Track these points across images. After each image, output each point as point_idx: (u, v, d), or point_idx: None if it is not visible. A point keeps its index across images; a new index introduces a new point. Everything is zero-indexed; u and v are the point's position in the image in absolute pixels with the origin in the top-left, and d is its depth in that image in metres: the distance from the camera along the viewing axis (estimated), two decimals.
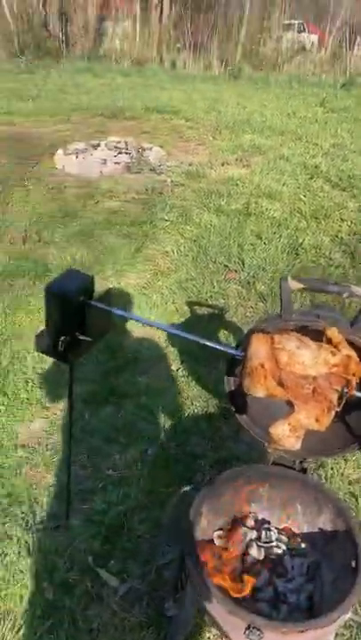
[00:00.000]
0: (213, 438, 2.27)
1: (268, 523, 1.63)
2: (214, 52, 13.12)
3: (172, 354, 2.74)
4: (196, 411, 2.42)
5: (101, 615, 1.62)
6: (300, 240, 4.04)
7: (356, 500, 2.05)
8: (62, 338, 1.30)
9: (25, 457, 2.13)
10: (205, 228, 4.19)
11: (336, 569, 1.45)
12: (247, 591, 1.34)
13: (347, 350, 1.19)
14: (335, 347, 1.20)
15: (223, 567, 1.41)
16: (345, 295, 1.33)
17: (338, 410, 1.24)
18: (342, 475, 2.15)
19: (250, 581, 1.36)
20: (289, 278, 1.36)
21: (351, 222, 4.41)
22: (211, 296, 3.32)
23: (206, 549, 1.42)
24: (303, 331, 1.33)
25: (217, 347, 1.34)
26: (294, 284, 1.36)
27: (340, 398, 1.23)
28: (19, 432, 2.25)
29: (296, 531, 1.60)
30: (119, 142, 6.11)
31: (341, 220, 4.47)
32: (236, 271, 3.60)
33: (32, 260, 3.53)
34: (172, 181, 5.24)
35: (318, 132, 7.32)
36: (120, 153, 5.84)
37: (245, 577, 1.38)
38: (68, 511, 1.84)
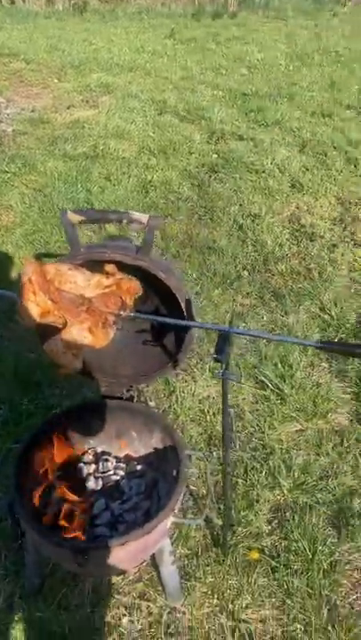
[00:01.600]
0: (65, 386, 2.26)
1: (109, 454, 1.68)
2: None
3: None
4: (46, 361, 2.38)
5: None
6: (150, 177, 4.01)
7: (205, 414, 2.17)
8: None
9: None
10: (51, 175, 4.00)
11: (169, 482, 1.54)
12: (76, 525, 1.38)
13: (120, 275, 1.20)
14: (110, 275, 1.21)
15: (53, 504, 1.44)
16: (124, 222, 1.33)
17: (116, 327, 1.26)
18: (193, 394, 2.27)
19: (80, 506, 1.41)
20: (68, 212, 1.33)
21: (199, 154, 4.45)
22: (60, 246, 3.22)
23: (36, 494, 1.43)
24: (93, 265, 1.33)
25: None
26: (74, 217, 1.33)
27: (116, 316, 1.25)
28: None
29: (134, 455, 1.67)
30: None
31: (190, 153, 4.49)
32: None
33: None
34: (13, 130, 4.90)
35: (168, 65, 7.17)
36: None
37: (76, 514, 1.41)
38: None
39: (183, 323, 1.29)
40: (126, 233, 3.20)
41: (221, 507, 1.74)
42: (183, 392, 2.27)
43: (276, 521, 1.81)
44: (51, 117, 5.23)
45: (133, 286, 1.33)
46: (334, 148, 4.60)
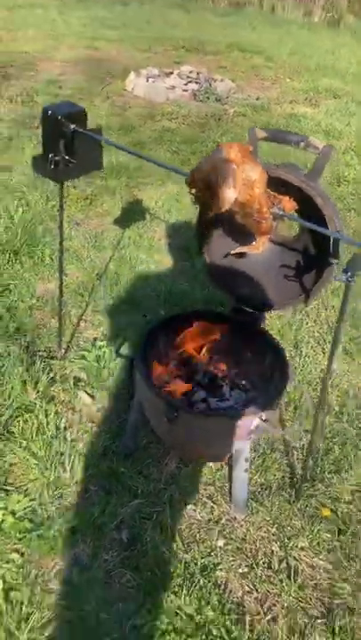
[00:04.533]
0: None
1: (222, 361, 1.83)
2: None
3: None
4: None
5: (73, 424, 1.90)
6: (346, 174, 4.02)
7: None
8: (51, 155, 1.52)
9: (37, 305, 2.44)
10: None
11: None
12: (177, 391, 1.56)
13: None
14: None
15: (165, 376, 1.63)
16: (302, 145, 1.45)
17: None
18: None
19: (182, 386, 1.58)
20: (256, 128, 1.49)
21: None
22: None
23: (156, 366, 1.65)
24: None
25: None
26: (260, 133, 1.49)
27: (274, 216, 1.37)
28: (37, 287, 2.56)
29: (244, 373, 1.79)
30: (191, 72, 6.15)
31: None
32: None
33: None
34: (234, 111, 5.27)
35: None
36: (190, 82, 5.90)
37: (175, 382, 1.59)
38: (60, 344, 2.13)
39: (329, 233, 1.35)
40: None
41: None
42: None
43: (359, 494, 1.77)
44: (271, 107, 5.49)
45: (293, 205, 1.44)
46: None
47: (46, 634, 1.35)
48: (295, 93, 6.07)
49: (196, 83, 5.91)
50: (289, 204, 1.39)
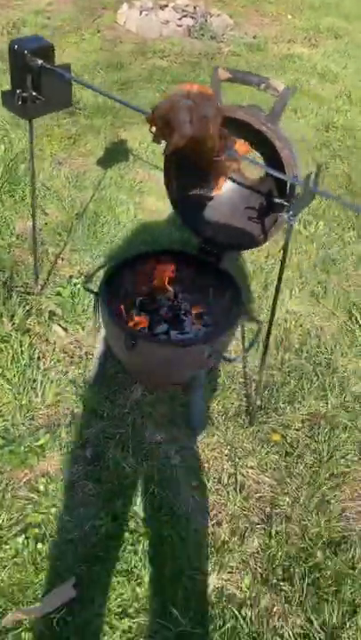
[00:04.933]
0: None
1: (185, 300, 1.93)
2: None
3: None
4: None
5: (46, 355, 2.03)
6: (335, 119, 3.98)
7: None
8: (18, 91, 1.56)
9: (16, 242, 2.52)
10: (246, 97, 4.16)
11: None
12: (139, 323, 1.67)
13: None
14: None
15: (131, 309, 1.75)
16: (262, 86, 1.49)
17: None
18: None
19: (143, 320, 1.70)
20: (220, 69, 1.52)
21: None
22: None
23: (121, 301, 1.75)
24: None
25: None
26: (223, 74, 1.53)
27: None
28: (16, 225, 2.62)
29: (204, 311, 1.90)
30: (187, 6, 5.90)
31: None
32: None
33: None
34: (229, 50, 5.12)
35: None
36: (185, 16, 5.67)
37: (139, 316, 1.71)
38: (37, 280, 2.23)
39: (284, 177, 1.42)
40: None
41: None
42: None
43: (308, 423, 1.93)
44: (268, 47, 5.32)
45: (246, 148, 1.50)
46: None
47: (13, 532, 1.53)
48: (295, 32, 5.86)
49: (192, 17, 5.68)
50: (243, 147, 1.45)
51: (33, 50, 1.53)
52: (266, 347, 1.65)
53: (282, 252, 1.42)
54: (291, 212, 1.27)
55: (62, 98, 1.67)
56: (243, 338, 2.16)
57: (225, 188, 1.79)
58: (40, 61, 1.54)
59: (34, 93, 1.57)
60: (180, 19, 5.64)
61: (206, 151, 1.39)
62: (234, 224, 1.82)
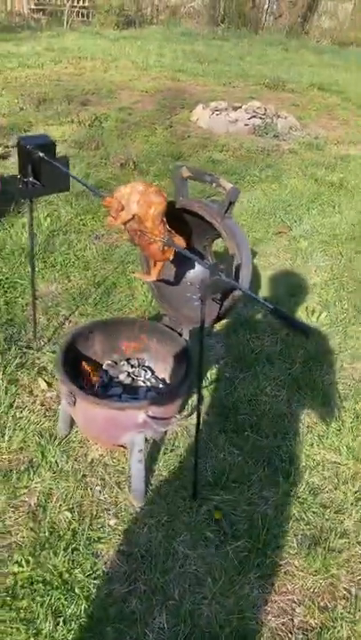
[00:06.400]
0: None
1: (151, 369, 2.06)
2: None
3: None
4: None
5: (26, 405, 2.22)
6: None
7: None
8: (20, 176, 1.87)
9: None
10: (289, 190, 4.41)
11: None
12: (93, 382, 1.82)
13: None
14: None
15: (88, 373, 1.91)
16: (214, 185, 1.67)
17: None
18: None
19: (95, 375, 1.84)
20: (184, 167, 1.74)
21: None
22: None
23: (85, 365, 1.93)
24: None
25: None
26: (185, 172, 1.74)
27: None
28: (39, 287, 2.94)
29: (163, 375, 2.01)
30: (259, 107, 6.44)
31: None
32: (288, 228, 3.84)
33: (115, 180, 4.17)
34: (287, 148, 5.47)
35: None
36: (254, 117, 6.18)
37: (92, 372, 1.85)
38: (35, 337, 2.48)
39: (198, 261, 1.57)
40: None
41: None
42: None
43: (253, 506, 1.91)
44: (326, 147, 5.62)
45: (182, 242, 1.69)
46: None
47: None
48: (359, 135, 6.14)
49: (261, 118, 6.18)
50: (180, 240, 1.64)
51: (35, 145, 1.85)
52: (198, 418, 1.72)
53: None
54: (200, 295, 1.40)
55: (61, 184, 1.98)
56: (198, 411, 2.22)
57: (190, 272, 1.97)
58: (41, 154, 1.86)
59: (32, 179, 1.88)
60: (248, 118, 6.16)
61: (144, 232, 1.60)
62: (191, 304, 1.97)
